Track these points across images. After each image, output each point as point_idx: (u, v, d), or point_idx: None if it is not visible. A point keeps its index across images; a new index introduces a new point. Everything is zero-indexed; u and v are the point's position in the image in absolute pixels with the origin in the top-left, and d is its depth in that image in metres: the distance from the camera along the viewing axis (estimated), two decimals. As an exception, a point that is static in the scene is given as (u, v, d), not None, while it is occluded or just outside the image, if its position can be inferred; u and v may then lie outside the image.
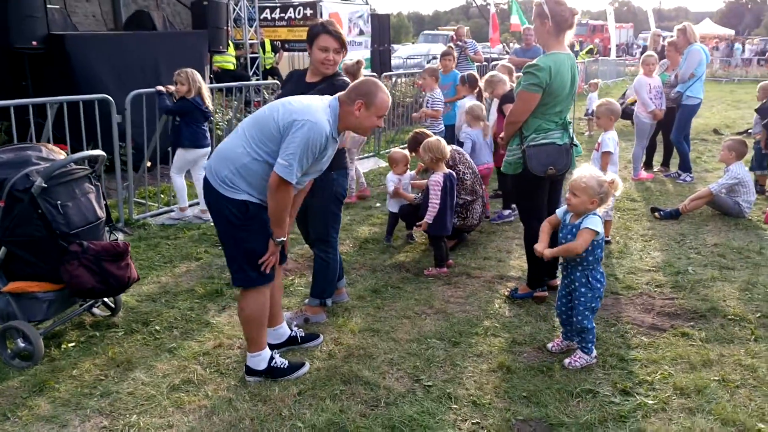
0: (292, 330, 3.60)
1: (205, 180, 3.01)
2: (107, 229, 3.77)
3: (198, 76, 5.75)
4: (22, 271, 3.41)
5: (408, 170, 5.53)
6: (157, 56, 7.89)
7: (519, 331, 3.77)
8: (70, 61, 6.86)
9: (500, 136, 4.18)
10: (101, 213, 3.66)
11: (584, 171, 3.29)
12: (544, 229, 3.49)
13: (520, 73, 7.10)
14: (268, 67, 13.16)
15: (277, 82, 8.46)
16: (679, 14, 66.29)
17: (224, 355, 3.51)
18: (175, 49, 8.31)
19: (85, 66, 6.99)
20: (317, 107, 2.92)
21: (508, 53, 16.58)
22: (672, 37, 7.87)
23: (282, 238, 2.99)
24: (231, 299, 4.26)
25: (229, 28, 12.39)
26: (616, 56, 25.37)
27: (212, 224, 5.72)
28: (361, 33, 14.95)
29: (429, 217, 4.62)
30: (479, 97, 6.70)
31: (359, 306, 4.13)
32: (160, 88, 5.80)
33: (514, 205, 5.86)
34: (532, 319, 3.94)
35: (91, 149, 5.32)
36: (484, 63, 11.28)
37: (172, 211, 6.24)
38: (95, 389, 3.16)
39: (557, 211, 3.50)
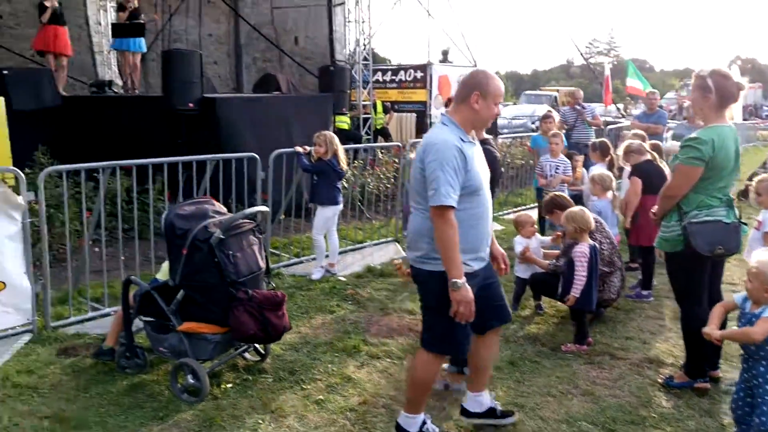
0: (491, 401, 3.54)
1: (412, 267, 3.12)
2: (266, 278, 4.09)
3: (336, 139, 6.15)
4: (194, 313, 3.75)
5: (536, 232, 5.54)
6: (289, 117, 8.52)
7: (682, 426, 3.56)
8: (219, 121, 7.55)
9: (652, 210, 4.11)
10: (263, 264, 3.99)
11: (762, 255, 3.12)
12: (716, 312, 3.32)
13: (655, 141, 7.01)
14: (378, 127, 13.74)
15: (398, 143, 8.81)
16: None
17: (370, 413, 3.62)
18: (305, 110, 8.95)
19: (230, 125, 7.67)
20: (434, 131, 3.06)
21: (623, 116, 16.28)
22: None
23: (456, 280, 2.86)
24: (368, 356, 4.41)
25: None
26: (743, 119, 24.21)
27: (340, 278, 6.14)
28: (470, 95, 15.28)
29: (576, 291, 4.58)
30: (610, 166, 6.64)
31: (498, 378, 4.10)
32: (299, 149, 6.23)
33: (655, 283, 5.76)
34: (695, 413, 3.70)
35: (234, 203, 5.87)
36: (602, 127, 11.23)
37: (301, 262, 6.60)
38: (256, 432, 3.38)
39: (735, 296, 3.32)
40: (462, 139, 2.99)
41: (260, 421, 3.49)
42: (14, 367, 4.08)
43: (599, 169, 6.50)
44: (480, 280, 3.11)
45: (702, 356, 3.90)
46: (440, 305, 2.98)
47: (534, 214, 6.91)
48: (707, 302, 3.80)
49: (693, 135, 3.74)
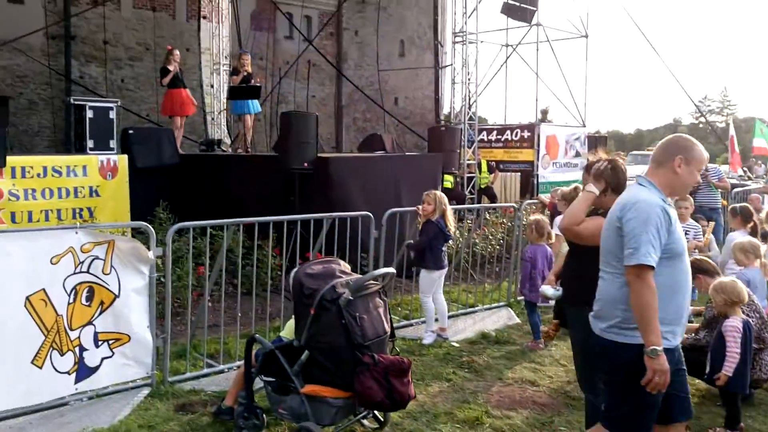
0: None
1: (600, 340, 2.92)
2: (390, 342, 3.90)
3: (445, 199, 5.94)
4: (318, 375, 3.60)
5: None
6: (399, 176, 8.51)
7: None
8: (331, 180, 7.65)
9: None
10: (388, 327, 3.81)
11: None
12: None
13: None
14: (482, 186, 13.53)
15: (513, 204, 8.56)
16: None
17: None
18: (415, 169, 8.93)
19: (341, 184, 7.75)
20: (633, 190, 2.90)
21: (750, 178, 15.23)
22: None
23: (654, 347, 2.62)
24: (492, 429, 4.10)
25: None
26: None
27: (453, 344, 5.85)
28: (578, 155, 14.90)
29: (728, 370, 4.10)
30: (753, 232, 6.08)
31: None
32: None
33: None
34: None
35: (341, 258, 5.78)
36: (728, 190, 10.47)
37: (411, 325, 6.38)
38: None
39: None
40: (663, 200, 2.83)
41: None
42: (135, 422, 4.07)
43: (741, 235, 5.94)
44: (675, 361, 2.79)
45: None
46: (631, 380, 2.71)
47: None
48: None
49: None
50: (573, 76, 16.27)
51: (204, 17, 12.96)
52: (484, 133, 14.93)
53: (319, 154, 7.88)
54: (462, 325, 6.60)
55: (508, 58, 16.86)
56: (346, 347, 3.52)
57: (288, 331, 3.90)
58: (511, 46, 16.81)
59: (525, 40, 16.32)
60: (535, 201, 8.57)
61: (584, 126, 15.51)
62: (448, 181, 12.45)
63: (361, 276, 3.76)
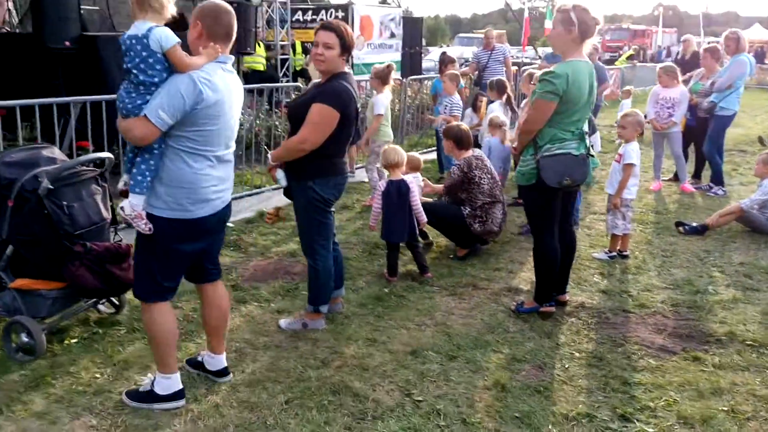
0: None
1: None
2: (112, 230, 3.84)
3: None
4: (28, 269, 3.49)
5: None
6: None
7: (520, 348, 3.68)
8: (101, 61, 7.02)
9: (513, 145, 4.08)
10: (107, 214, 3.73)
11: None
12: None
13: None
14: (298, 68, 13.25)
15: (299, 85, 8.49)
16: (729, 19, 63.99)
17: (219, 359, 3.52)
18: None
19: (114, 66, 7.14)
20: None
21: (540, 58, 16.37)
22: (710, 43, 7.63)
23: None
24: (234, 301, 4.27)
25: (262, 30, 12.50)
26: (660, 60, 24.73)
27: (228, 224, 5.89)
28: (393, 36, 14.91)
29: (372, 222, 4.83)
30: (508, 103, 6.65)
31: (359, 314, 4.10)
32: None
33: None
34: (536, 335, 3.85)
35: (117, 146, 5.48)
36: (514, 67, 11.21)
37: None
38: (89, 387, 3.21)
39: None
40: None
41: (98, 376, 3.32)
42: None
43: (498, 107, 6.58)
44: None
45: (550, 282, 4.05)
46: None
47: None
48: (558, 232, 3.97)
49: (549, 69, 3.72)
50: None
51: None
52: (299, 12, 14.34)
53: (84, 32, 7.13)
54: (245, 204, 6.69)
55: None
56: (53, 238, 3.41)
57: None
58: None
59: None
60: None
61: (399, 6, 15.45)
62: (259, 62, 12.03)
63: (65, 162, 3.57)
